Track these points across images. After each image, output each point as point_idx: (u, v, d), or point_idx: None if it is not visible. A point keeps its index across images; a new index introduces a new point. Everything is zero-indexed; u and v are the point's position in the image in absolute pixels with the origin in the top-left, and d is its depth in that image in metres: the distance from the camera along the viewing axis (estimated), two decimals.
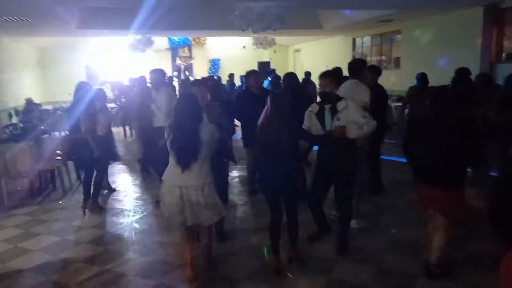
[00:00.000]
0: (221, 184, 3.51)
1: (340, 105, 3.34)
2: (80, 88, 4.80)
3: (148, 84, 6.40)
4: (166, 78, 4.95)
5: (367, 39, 13.88)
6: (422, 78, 6.79)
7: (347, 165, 3.44)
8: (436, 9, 9.25)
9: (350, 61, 4.41)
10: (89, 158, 4.73)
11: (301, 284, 3.20)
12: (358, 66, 4.27)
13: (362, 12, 10.21)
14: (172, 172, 3.04)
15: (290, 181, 3.16)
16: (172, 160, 3.07)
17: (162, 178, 3.14)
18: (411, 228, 4.09)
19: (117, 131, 10.69)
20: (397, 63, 12.21)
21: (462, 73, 5.57)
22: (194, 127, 2.97)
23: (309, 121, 3.49)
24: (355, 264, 3.47)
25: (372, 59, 13.26)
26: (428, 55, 10.23)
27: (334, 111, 3.34)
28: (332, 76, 3.74)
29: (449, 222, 3.07)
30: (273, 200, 3.32)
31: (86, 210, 4.87)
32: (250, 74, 5.15)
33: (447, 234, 3.10)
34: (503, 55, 8.41)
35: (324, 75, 3.61)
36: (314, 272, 3.35)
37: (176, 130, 3.00)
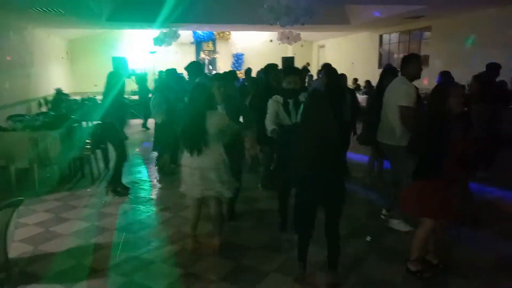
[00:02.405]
0: (235, 165, 3.78)
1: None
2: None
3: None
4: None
5: (394, 36, 13.58)
6: (446, 76, 6.23)
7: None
8: (470, 5, 8.96)
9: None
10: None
11: (330, 280, 3.16)
12: (405, 61, 3.84)
13: (392, 7, 9.98)
14: (189, 157, 3.38)
15: (335, 184, 2.90)
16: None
17: (181, 163, 3.52)
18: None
19: (136, 122, 10.87)
20: (425, 61, 11.92)
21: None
22: (201, 115, 3.28)
23: (275, 109, 3.71)
24: (385, 262, 3.41)
25: (399, 57, 12.98)
26: (459, 54, 9.93)
27: (297, 106, 3.62)
28: (301, 74, 3.99)
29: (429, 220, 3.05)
30: (310, 207, 2.97)
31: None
32: (271, 68, 4.94)
33: (427, 232, 3.08)
34: None
35: (294, 73, 3.89)
36: (344, 268, 3.29)
37: (185, 118, 3.39)
